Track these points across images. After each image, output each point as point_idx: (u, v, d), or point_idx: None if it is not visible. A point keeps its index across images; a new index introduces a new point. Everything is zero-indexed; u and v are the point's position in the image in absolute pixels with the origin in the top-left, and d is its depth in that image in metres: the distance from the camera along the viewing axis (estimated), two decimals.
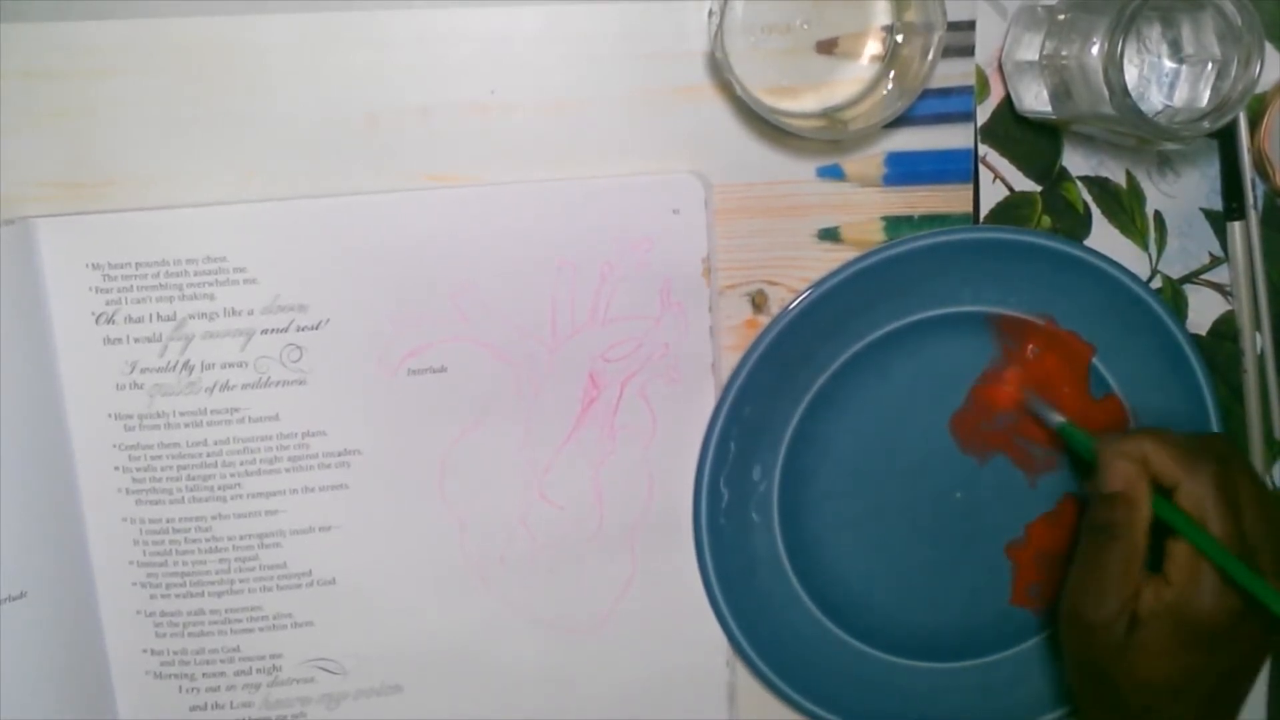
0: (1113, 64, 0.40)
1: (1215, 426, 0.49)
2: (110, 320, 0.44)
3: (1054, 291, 0.48)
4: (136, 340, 0.44)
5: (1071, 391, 0.49)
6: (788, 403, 0.48)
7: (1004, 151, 0.48)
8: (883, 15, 0.45)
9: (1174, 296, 0.50)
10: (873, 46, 0.45)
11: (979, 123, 0.47)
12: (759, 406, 0.47)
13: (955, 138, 0.47)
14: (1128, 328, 0.48)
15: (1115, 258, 0.48)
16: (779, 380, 0.47)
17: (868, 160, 0.47)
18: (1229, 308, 0.50)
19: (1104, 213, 0.49)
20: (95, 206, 0.44)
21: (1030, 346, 0.48)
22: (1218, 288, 0.50)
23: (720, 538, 0.48)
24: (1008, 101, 0.47)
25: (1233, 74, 0.41)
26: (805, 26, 0.45)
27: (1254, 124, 0.48)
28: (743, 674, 0.49)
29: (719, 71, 0.44)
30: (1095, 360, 0.49)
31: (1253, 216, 0.49)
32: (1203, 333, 0.50)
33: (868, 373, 0.48)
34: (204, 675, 0.46)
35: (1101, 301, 0.48)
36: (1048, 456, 0.50)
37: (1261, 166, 0.49)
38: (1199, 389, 0.49)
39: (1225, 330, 0.50)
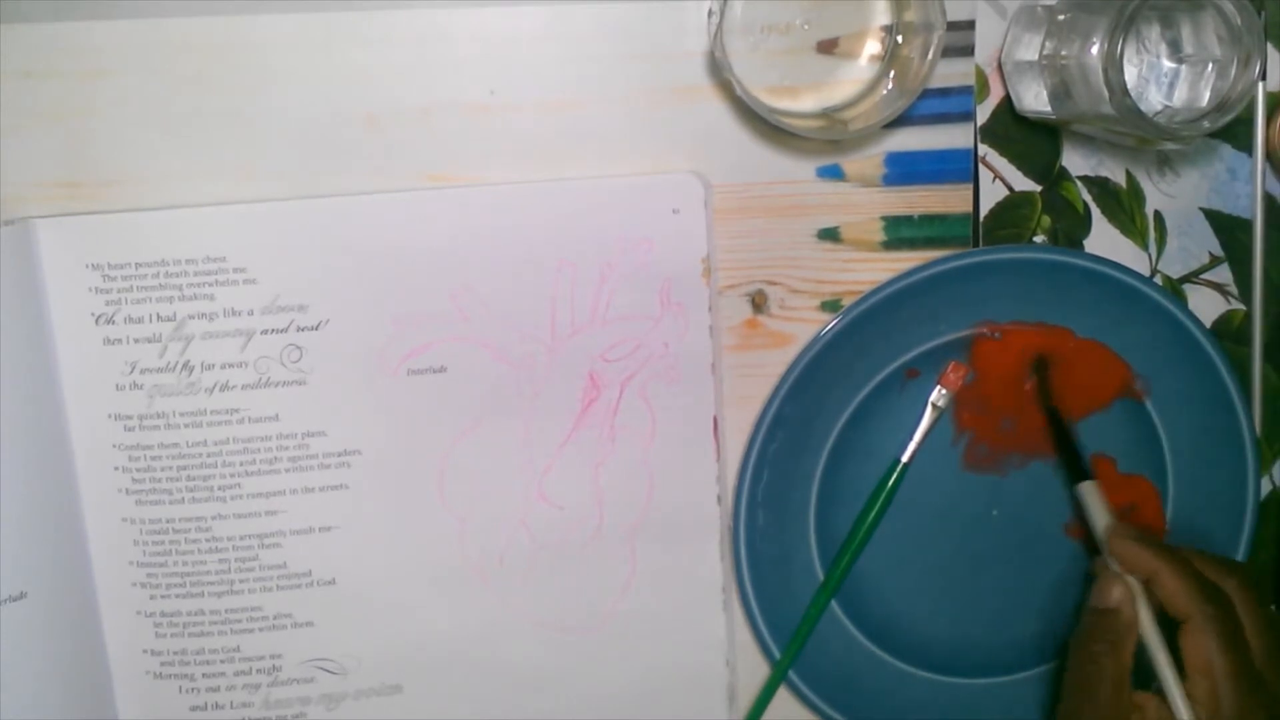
0: (1112, 64, 0.40)
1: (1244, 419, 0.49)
2: (110, 320, 0.44)
3: (1066, 303, 0.48)
4: (136, 340, 0.44)
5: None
6: (813, 447, 0.48)
7: (1004, 151, 0.48)
8: (883, 15, 0.45)
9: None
10: (872, 46, 0.45)
11: (979, 123, 0.47)
12: (792, 430, 0.47)
13: (955, 138, 0.47)
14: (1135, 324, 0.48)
15: (1115, 258, 0.48)
16: (809, 414, 0.47)
17: (867, 160, 0.47)
18: (1229, 307, 0.50)
19: (1104, 212, 0.49)
20: (95, 206, 0.44)
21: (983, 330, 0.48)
22: (1218, 287, 0.50)
23: (759, 563, 0.48)
24: (1007, 101, 0.47)
25: (1232, 74, 0.41)
26: (805, 26, 0.45)
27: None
28: (743, 674, 0.49)
29: (719, 71, 0.44)
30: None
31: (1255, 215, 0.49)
32: None
33: (872, 423, 0.48)
34: (204, 675, 0.46)
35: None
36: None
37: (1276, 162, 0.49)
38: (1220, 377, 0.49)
39: (1225, 330, 0.50)
